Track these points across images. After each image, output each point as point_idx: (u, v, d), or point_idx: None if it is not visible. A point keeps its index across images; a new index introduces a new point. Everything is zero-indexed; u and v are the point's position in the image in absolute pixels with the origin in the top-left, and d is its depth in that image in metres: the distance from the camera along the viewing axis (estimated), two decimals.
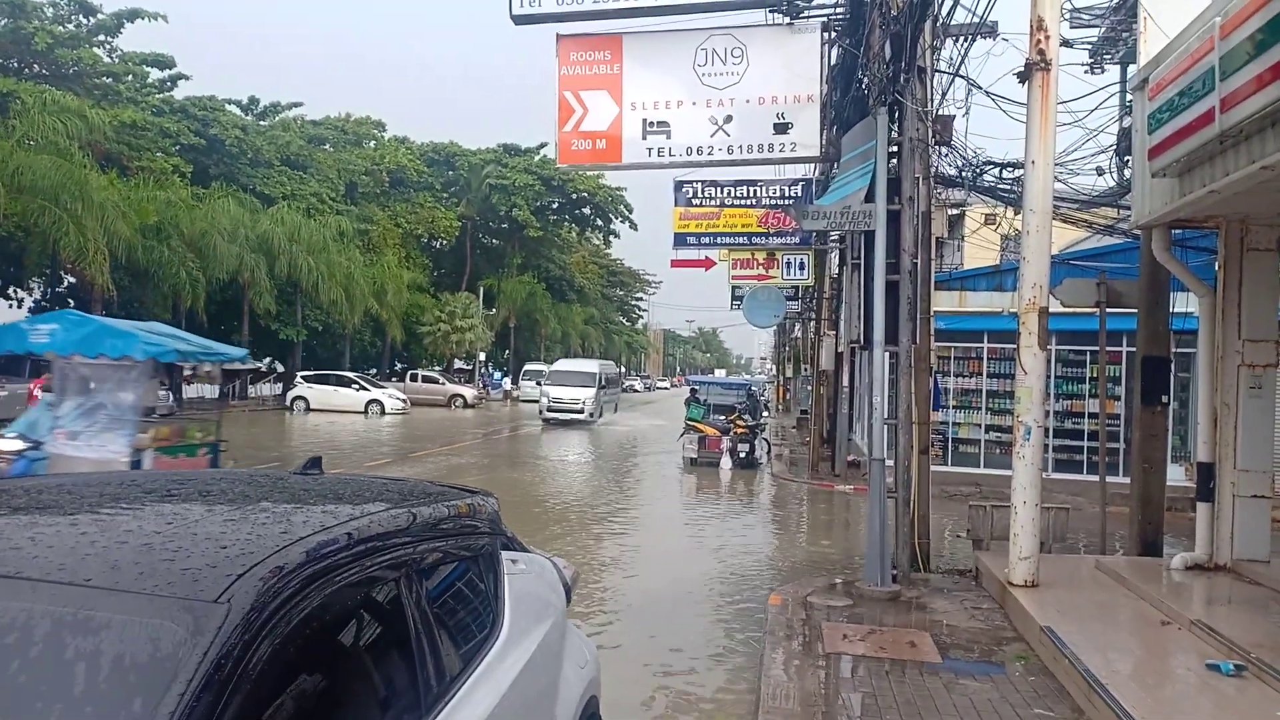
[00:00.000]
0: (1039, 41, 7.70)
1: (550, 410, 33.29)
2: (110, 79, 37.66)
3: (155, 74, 40.46)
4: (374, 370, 48.78)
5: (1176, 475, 13.54)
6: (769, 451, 22.51)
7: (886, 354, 8.82)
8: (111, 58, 38.23)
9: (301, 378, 37.33)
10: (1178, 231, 8.44)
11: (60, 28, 35.25)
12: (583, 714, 3.40)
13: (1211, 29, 5.75)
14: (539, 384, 39.94)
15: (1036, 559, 7.86)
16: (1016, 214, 11.56)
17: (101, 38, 37.44)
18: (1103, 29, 14.02)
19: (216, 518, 2.27)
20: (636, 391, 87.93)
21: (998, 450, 17.37)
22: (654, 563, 10.48)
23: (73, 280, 31.86)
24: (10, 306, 36.16)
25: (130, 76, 38.88)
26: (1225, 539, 8.05)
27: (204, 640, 1.62)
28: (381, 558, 2.29)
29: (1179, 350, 11.53)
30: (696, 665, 6.78)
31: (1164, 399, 9.40)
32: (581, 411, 32.94)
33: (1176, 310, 9.54)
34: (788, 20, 9.78)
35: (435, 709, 2.32)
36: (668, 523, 13.72)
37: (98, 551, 1.90)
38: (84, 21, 36.85)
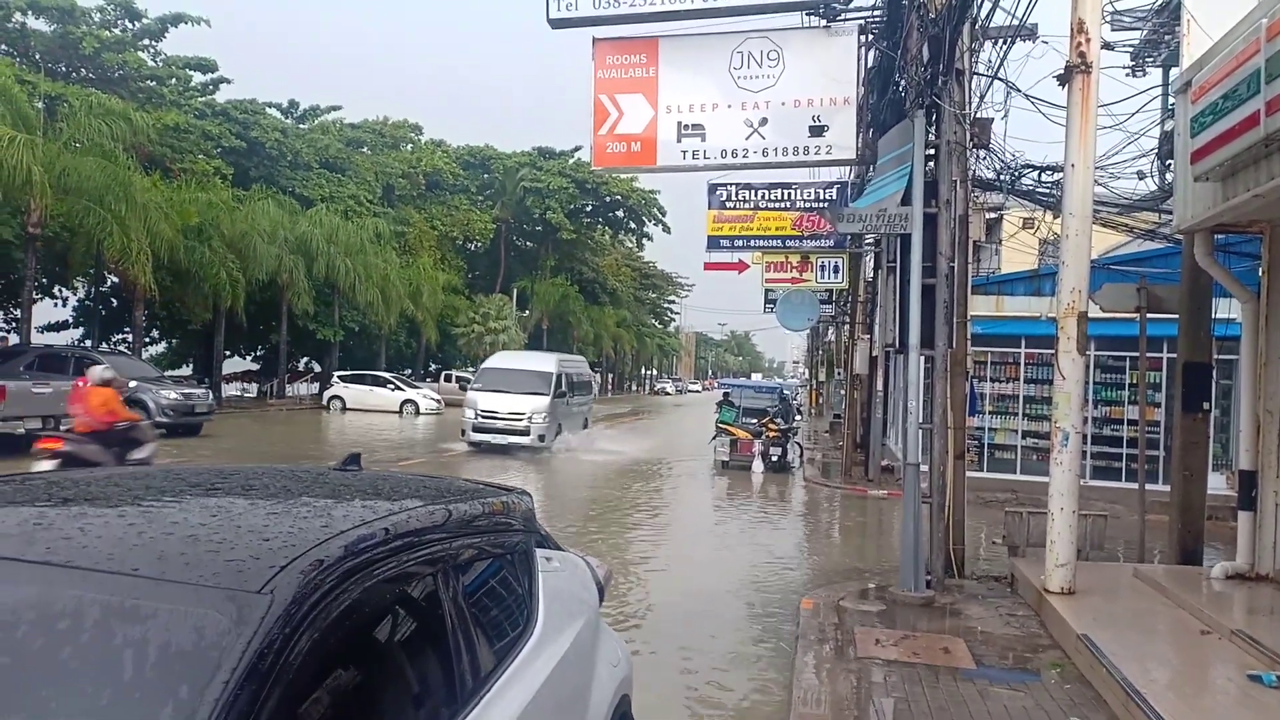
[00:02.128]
0: (1079, 44, 7.62)
1: (477, 430, 21.81)
2: (154, 82, 38.29)
3: (198, 77, 41.10)
4: (409, 371, 49.18)
5: (1217, 483, 13.30)
6: (801, 455, 22.40)
7: (922, 358, 8.76)
8: (155, 61, 38.87)
9: (338, 377, 37.76)
10: (1220, 236, 8.32)
11: (106, 32, 35.91)
12: (614, 712, 3.42)
13: (1258, 30, 5.67)
14: (463, 388, 29.79)
15: (1073, 566, 7.77)
16: (1055, 218, 11.43)
17: (146, 42, 38.09)
18: (1144, 31, 13.84)
19: (259, 511, 2.31)
20: (668, 394, 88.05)
21: (1035, 456, 17.17)
22: (686, 564, 10.48)
23: (116, 280, 32.41)
24: (55, 305, 36.97)
25: (173, 80, 39.53)
26: (1268, 548, 7.91)
27: (248, 630, 1.66)
28: (418, 553, 2.33)
29: (1220, 357, 11.32)
30: (728, 668, 6.77)
31: (1205, 406, 9.25)
32: (526, 432, 21.56)
33: (1218, 316, 9.40)
34: (824, 23, 9.75)
35: (470, 704, 2.35)
36: (700, 524, 13.72)
37: (145, 542, 1.95)
38: (129, 26, 37.52)
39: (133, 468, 3.09)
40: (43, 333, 33.66)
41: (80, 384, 17.79)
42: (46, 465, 9.42)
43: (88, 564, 1.83)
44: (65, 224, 26.13)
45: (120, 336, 37.47)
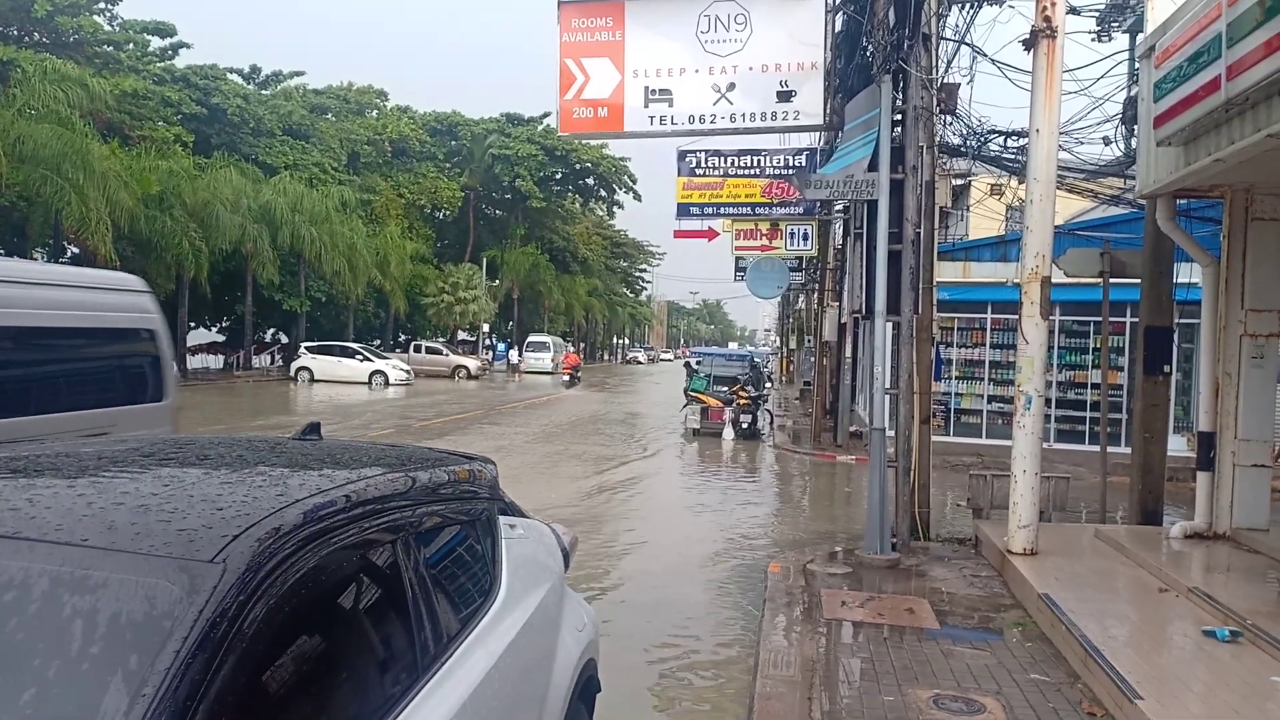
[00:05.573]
0: (1045, 8, 7.63)
1: None
2: (111, 47, 37.41)
3: (156, 42, 40.22)
4: (378, 341, 48.85)
5: (1178, 445, 13.55)
6: (771, 422, 22.55)
7: (889, 324, 8.81)
8: (112, 25, 37.97)
9: (305, 348, 37.36)
10: (1183, 201, 8.40)
11: None
12: (580, 676, 3.44)
13: None
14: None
15: (1036, 527, 7.90)
16: (1022, 184, 11.50)
17: (102, 5, 37.17)
18: None
19: (213, 480, 2.28)
20: (640, 363, 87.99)
21: (1000, 421, 17.39)
22: (656, 528, 10.53)
23: (76, 250, 31.81)
24: None
25: (131, 45, 38.66)
26: (1225, 508, 8.08)
27: (199, 599, 1.64)
28: (379, 520, 2.31)
29: (1182, 321, 11.51)
30: (697, 631, 6.83)
31: (1166, 369, 9.39)
32: None
33: (1180, 280, 9.51)
34: None
35: (431, 670, 2.35)
36: (670, 491, 13.77)
37: (94, 512, 1.92)
38: None
39: (85, 439, 3.05)
40: None
41: None
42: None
43: (35, 534, 1.80)
44: (22, 193, 25.59)
45: None
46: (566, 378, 39.95)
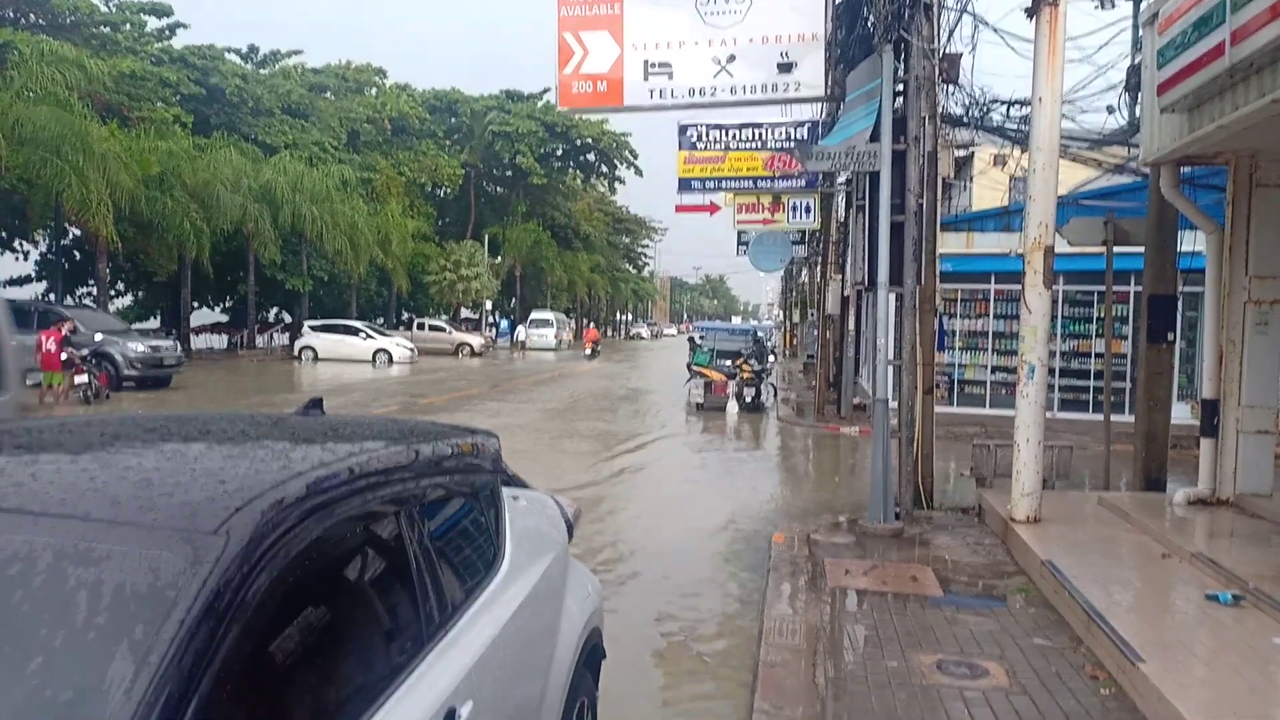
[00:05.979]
0: None
1: None
2: (108, 28, 37.18)
3: (153, 22, 39.92)
4: (381, 319, 48.87)
5: (1182, 413, 13.54)
6: (775, 396, 22.58)
7: (892, 295, 8.79)
8: (108, 6, 37.72)
9: (309, 327, 37.38)
10: (1187, 169, 8.36)
11: None
12: (585, 645, 3.47)
13: None
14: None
15: (1039, 495, 7.92)
16: (1024, 154, 11.43)
17: None
18: None
19: (216, 454, 2.30)
20: (642, 339, 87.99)
21: (1004, 391, 17.40)
22: (660, 502, 10.58)
23: (77, 232, 31.79)
24: (16, 259, 36.24)
25: (128, 25, 38.38)
26: (1228, 474, 8.10)
27: (203, 570, 1.66)
28: (382, 492, 2.33)
29: (1186, 289, 11.48)
30: (702, 601, 6.88)
31: (1170, 337, 9.38)
32: None
33: (1184, 249, 9.48)
34: None
35: (435, 640, 2.38)
36: (674, 465, 13.82)
37: (98, 486, 1.94)
38: None
39: (88, 415, 3.05)
40: (5, 287, 33.07)
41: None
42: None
43: (38, 509, 1.81)
44: (22, 176, 25.50)
45: (85, 290, 36.88)
46: (589, 351, 44.66)
